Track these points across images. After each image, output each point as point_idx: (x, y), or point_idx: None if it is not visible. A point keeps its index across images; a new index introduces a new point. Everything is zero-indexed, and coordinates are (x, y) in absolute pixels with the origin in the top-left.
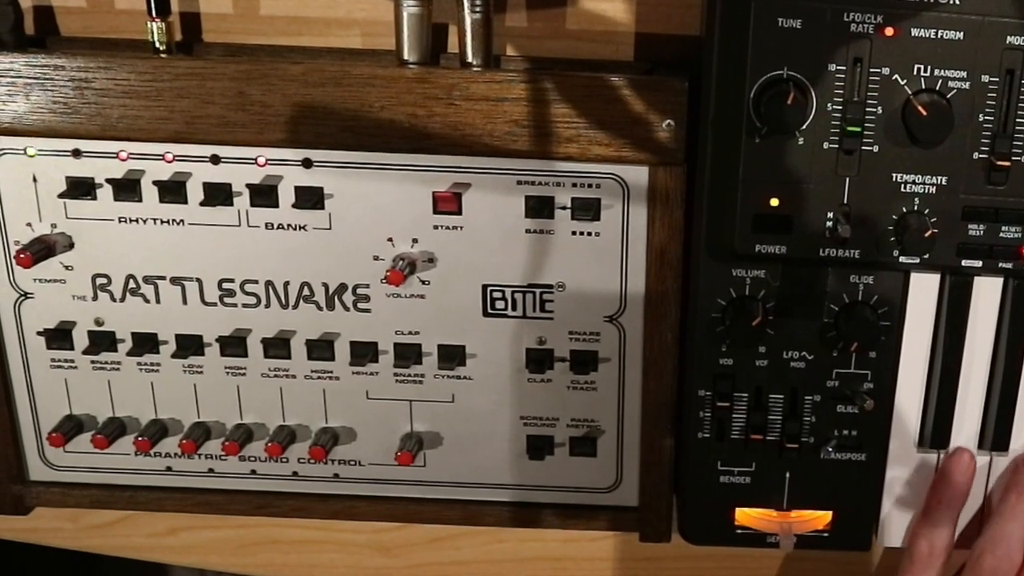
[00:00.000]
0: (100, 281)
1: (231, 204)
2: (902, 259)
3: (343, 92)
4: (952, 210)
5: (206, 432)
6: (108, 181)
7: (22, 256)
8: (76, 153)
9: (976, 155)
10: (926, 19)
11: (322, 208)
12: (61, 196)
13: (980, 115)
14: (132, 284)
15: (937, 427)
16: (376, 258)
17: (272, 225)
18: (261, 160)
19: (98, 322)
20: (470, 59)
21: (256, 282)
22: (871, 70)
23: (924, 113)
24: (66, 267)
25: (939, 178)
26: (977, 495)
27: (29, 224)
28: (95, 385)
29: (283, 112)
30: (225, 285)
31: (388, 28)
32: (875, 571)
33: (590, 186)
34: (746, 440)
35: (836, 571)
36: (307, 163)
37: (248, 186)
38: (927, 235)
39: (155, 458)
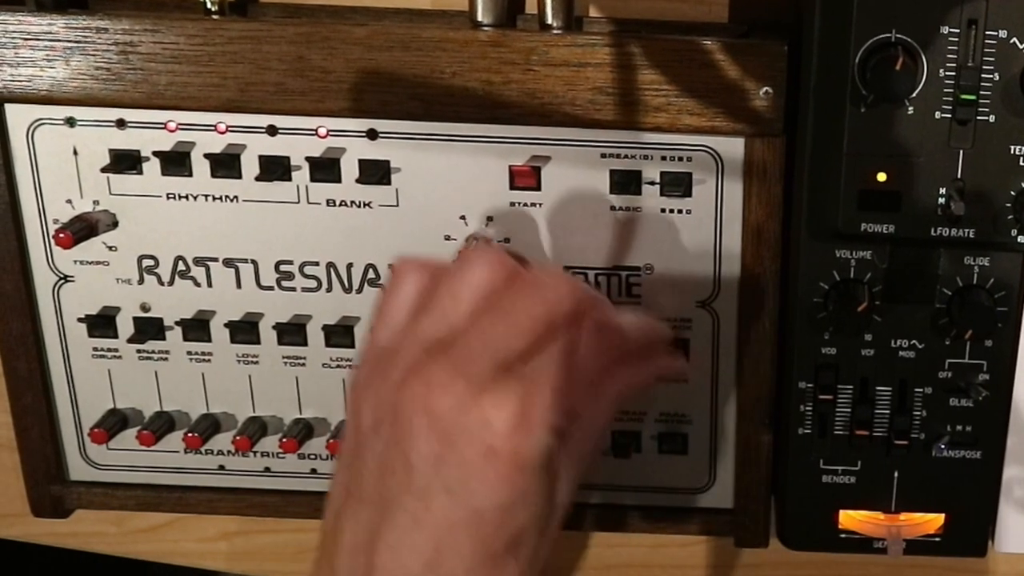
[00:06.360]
0: (147, 263)
1: (289, 179)
2: (1020, 239)
3: (411, 57)
4: None
5: (262, 428)
6: (155, 154)
7: (61, 236)
8: (120, 123)
9: None
10: None
11: (388, 183)
12: (104, 170)
13: None
14: (181, 266)
15: None
16: (447, 238)
17: (334, 202)
18: (322, 131)
19: (144, 307)
20: (550, 21)
21: (317, 264)
22: (987, 33)
23: None
24: (109, 248)
25: None
26: None
27: (69, 201)
28: (141, 376)
29: (346, 79)
30: (283, 267)
31: None
32: None
33: (680, 159)
34: (851, 436)
35: None
36: (372, 134)
37: (308, 159)
38: None
39: (206, 456)
